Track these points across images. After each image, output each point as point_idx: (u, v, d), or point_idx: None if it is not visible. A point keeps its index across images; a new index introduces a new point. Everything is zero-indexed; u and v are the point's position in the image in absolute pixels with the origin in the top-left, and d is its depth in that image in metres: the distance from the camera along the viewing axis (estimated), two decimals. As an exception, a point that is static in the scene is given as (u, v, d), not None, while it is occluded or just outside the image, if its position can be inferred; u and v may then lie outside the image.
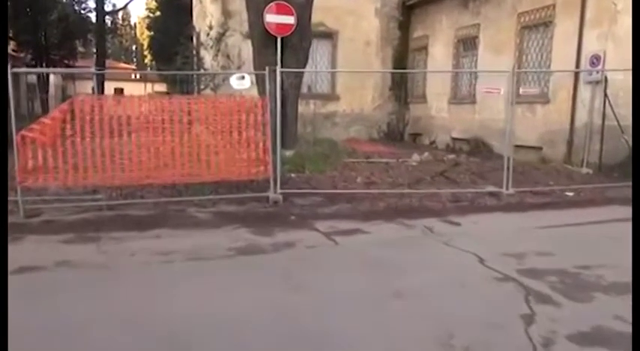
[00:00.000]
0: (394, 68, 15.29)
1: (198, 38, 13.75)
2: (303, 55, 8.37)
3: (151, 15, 43.48)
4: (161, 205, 6.08)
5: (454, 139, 13.30)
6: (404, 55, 15.26)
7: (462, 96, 13.11)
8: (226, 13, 13.44)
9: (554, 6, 9.91)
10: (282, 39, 8.05)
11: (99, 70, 20.80)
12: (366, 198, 6.65)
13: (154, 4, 42.01)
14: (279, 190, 6.40)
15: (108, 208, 5.96)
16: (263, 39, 8.11)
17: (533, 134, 10.50)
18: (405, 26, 15.25)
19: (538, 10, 10.28)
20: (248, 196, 6.42)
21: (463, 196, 6.75)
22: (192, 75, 13.76)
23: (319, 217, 5.71)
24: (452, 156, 11.13)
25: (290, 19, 7.80)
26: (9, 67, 5.58)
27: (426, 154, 10.80)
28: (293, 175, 7.88)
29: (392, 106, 15.47)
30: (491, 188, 7.15)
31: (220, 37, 13.17)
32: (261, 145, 6.27)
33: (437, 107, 14.04)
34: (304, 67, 8.54)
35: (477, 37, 12.27)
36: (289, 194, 6.49)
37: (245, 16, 13.74)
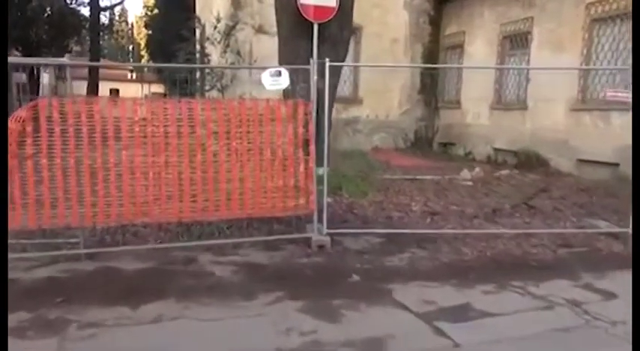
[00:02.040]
0: (422, 70, 13.58)
1: (203, 32, 11.97)
2: (343, 49, 6.61)
3: (149, 13, 41.77)
4: (162, 252, 4.31)
5: (497, 151, 11.57)
6: (435, 54, 13.54)
7: (508, 101, 11.38)
8: (236, 4, 11.70)
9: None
10: (317, 28, 6.30)
11: (92, 60, 19.03)
12: (439, 237, 4.91)
13: (151, 2, 40.32)
14: (325, 230, 4.64)
15: (87, 256, 4.19)
16: (293, 27, 6.35)
17: (606, 148, 8.76)
18: (436, 22, 13.54)
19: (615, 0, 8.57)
20: (282, 238, 4.65)
21: (571, 238, 5.00)
22: (196, 74, 12.00)
23: (393, 275, 3.95)
24: (505, 172, 9.39)
25: (332, 1, 6.05)
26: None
27: (477, 169, 9.07)
28: (329, 199, 6.13)
29: (420, 111, 13.74)
30: (605, 225, 5.40)
31: (229, 31, 11.42)
32: (302, 168, 4.50)
33: (474, 113, 12.31)
34: (340, 70, 6.77)
35: (529, 32, 10.56)
36: (336, 233, 4.74)
37: (257, 7, 12.08)
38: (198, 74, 12.15)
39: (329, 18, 6.12)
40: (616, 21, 8.74)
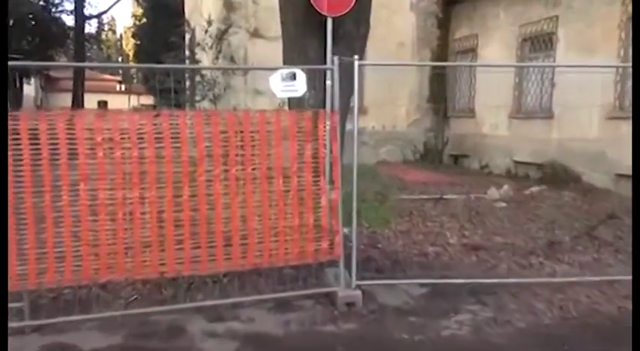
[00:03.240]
0: (431, 76, 12.59)
1: (193, 37, 10.88)
2: (360, 47, 5.53)
3: (137, 22, 40.59)
4: (136, 318, 3.17)
5: (517, 163, 10.53)
6: (444, 59, 12.54)
7: (530, 109, 10.37)
8: (229, 6, 10.64)
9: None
10: (328, 25, 5.22)
11: (76, 61, 17.86)
12: (499, 287, 3.81)
13: (140, 11, 39.15)
14: (354, 282, 3.52)
15: (33, 329, 3.04)
16: (300, 24, 5.26)
17: (651, 160, 7.71)
18: (445, 25, 12.56)
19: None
20: (297, 295, 3.52)
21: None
22: (185, 82, 10.90)
23: (458, 353, 2.83)
24: (536, 189, 8.35)
25: (349, -10, 4.98)
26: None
27: (506, 187, 7.99)
28: (346, 230, 5.01)
29: (429, 121, 12.71)
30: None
31: (222, 35, 10.34)
32: (324, 200, 3.39)
33: (491, 123, 11.29)
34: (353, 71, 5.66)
35: (553, 33, 9.58)
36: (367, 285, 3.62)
37: (252, 9, 11.03)
38: (188, 83, 11.06)
39: (346, 11, 5.04)
40: (658, 18, 7.75)
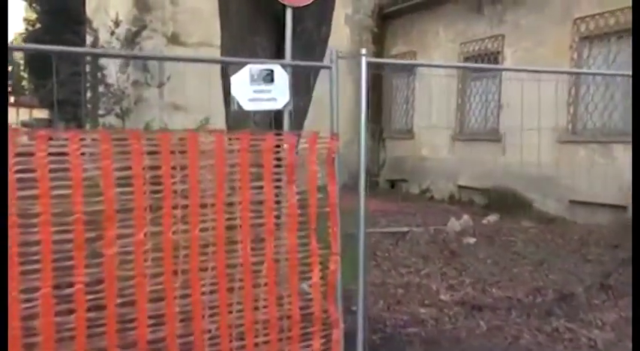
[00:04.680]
0: (368, 99, 11.76)
1: (96, 40, 9.10)
2: (320, 52, 4.39)
3: (30, 28, 36.51)
4: None
5: (461, 188, 9.93)
6: (379, 77, 11.80)
7: (475, 131, 9.84)
8: (141, 5, 9.06)
9: (641, 7, 6.96)
10: (284, 21, 4.01)
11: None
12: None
13: (34, 16, 35.22)
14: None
15: None
16: (250, 14, 4.00)
17: (609, 187, 7.35)
18: (380, 40, 11.88)
19: (613, 14, 7.31)
20: None
21: None
22: (86, 94, 9.07)
23: None
24: (493, 218, 7.66)
25: (315, -25, 3.81)
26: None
27: (465, 217, 7.19)
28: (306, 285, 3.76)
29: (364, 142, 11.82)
30: None
31: (132, 38, 8.71)
32: (315, 275, 2.13)
33: (432, 145, 10.65)
34: (317, 73, 4.50)
35: (499, 52, 9.15)
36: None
37: (171, 11, 9.52)
38: (89, 94, 9.24)
39: (310, 1, 3.86)
40: (611, 39, 7.49)
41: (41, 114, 25.07)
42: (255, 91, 2.05)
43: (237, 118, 4.29)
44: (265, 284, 2.03)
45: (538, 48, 8.39)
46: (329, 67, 2.37)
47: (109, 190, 1.76)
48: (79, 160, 1.72)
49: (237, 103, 2.05)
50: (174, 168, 1.89)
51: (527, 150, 8.69)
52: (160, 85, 9.01)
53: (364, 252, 2.50)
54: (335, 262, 2.18)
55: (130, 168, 1.82)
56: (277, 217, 2.05)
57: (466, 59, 9.88)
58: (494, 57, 9.29)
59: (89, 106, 9.32)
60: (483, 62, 9.54)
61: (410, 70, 11.21)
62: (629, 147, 7.14)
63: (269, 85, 2.06)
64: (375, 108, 11.94)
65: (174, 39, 9.14)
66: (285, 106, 2.22)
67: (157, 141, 1.91)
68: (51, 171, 1.69)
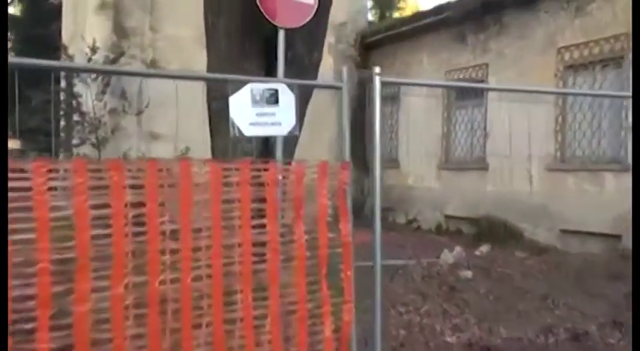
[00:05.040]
0: (352, 122, 11.62)
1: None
2: (312, 77, 4.19)
3: (4, 57, 35.70)
4: None
5: (448, 218, 9.74)
6: (363, 106, 11.69)
7: (461, 160, 9.73)
8: (120, 31, 8.81)
9: (624, 36, 7.03)
10: (273, 44, 3.78)
11: None
12: None
13: (9, 45, 34.63)
14: None
15: None
16: (238, 37, 3.77)
17: (600, 216, 7.24)
18: (364, 69, 11.82)
19: (597, 43, 7.36)
20: None
21: None
22: (59, 122, 8.68)
23: None
24: (485, 248, 7.43)
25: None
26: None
27: (458, 248, 6.95)
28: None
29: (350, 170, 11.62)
30: None
31: (111, 65, 8.39)
32: (328, 330, 1.81)
33: (418, 174, 10.50)
34: (309, 98, 4.26)
35: (482, 81, 9.13)
36: None
37: (150, 37, 9.28)
38: (62, 123, 8.85)
39: (303, 23, 3.65)
40: (595, 68, 7.52)
41: (14, 144, 24.33)
42: (257, 114, 1.78)
43: (224, 147, 4.00)
44: (270, 341, 1.71)
45: (522, 76, 8.38)
46: (339, 87, 2.12)
47: (82, 233, 1.44)
48: (46, 196, 1.40)
49: (238, 129, 1.77)
50: (162, 204, 1.58)
51: (516, 178, 8.60)
52: (139, 113, 8.67)
53: (380, 295, 2.19)
54: (349, 312, 1.88)
55: (108, 205, 1.50)
56: (287, 259, 1.75)
57: (452, 89, 9.86)
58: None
59: (62, 134, 8.90)
60: (468, 91, 9.52)
61: (394, 98, 11.14)
62: (619, 175, 7.12)
63: (273, 107, 1.79)
64: (358, 137, 11.79)
65: (153, 65, 8.87)
66: (290, 132, 1.96)
67: (142, 172, 1.60)
68: (10, 210, 1.36)
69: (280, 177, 1.99)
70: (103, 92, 8.37)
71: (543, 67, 8.05)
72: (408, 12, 18.04)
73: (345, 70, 2.22)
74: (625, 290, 5.17)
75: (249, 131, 1.82)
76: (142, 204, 1.57)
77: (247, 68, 3.79)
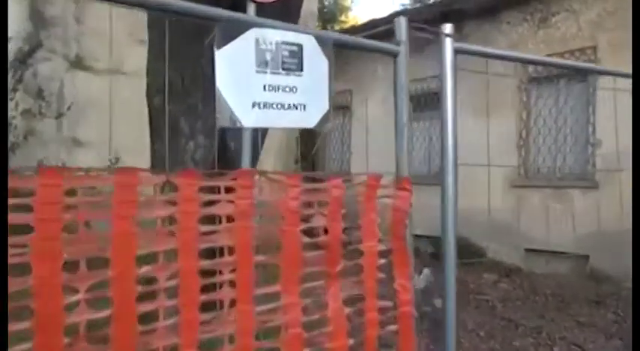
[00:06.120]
0: (301, 132, 10.92)
1: (-25, 59, 7.36)
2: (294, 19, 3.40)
3: None
4: None
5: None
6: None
7: (418, 173, 9.21)
8: (38, 19, 7.55)
9: (591, 50, 6.84)
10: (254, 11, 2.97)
11: None
12: None
13: None
14: None
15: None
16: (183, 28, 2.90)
17: (566, 235, 6.94)
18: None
19: (562, 56, 7.13)
20: None
21: None
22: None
23: None
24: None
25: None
26: None
27: (426, 270, 6.35)
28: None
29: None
30: None
31: (24, 58, 7.14)
32: None
33: (372, 189, 9.89)
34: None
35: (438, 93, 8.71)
36: None
37: (75, 29, 8.07)
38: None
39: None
40: (560, 81, 7.30)
41: None
42: (268, 88, 0.98)
43: (170, 154, 3.16)
44: None
45: (485, 89, 8.04)
46: (395, 53, 1.36)
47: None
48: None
49: (231, 116, 0.96)
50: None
51: (477, 195, 8.20)
52: (59, 116, 7.44)
53: None
54: None
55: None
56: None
57: (409, 98, 9.39)
58: (437, 97, 8.85)
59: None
60: (427, 102, 9.09)
61: (346, 109, 10.57)
62: (586, 192, 6.83)
63: (294, 77, 1.00)
64: (308, 148, 11.09)
65: (77, 63, 7.68)
66: (320, 123, 1.16)
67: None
68: None
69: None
70: (15, 90, 7.08)
71: (506, 79, 7.75)
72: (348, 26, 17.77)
73: (402, 21, 1.47)
74: (611, 317, 4.78)
75: (251, 119, 1.01)
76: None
77: (206, 52, 2.94)
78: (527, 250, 7.45)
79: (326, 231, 1.30)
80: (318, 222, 1.22)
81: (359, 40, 1.63)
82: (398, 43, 1.42)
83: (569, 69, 6.76)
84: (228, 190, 1.13)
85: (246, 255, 1.04)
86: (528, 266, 7.38)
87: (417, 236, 8.20)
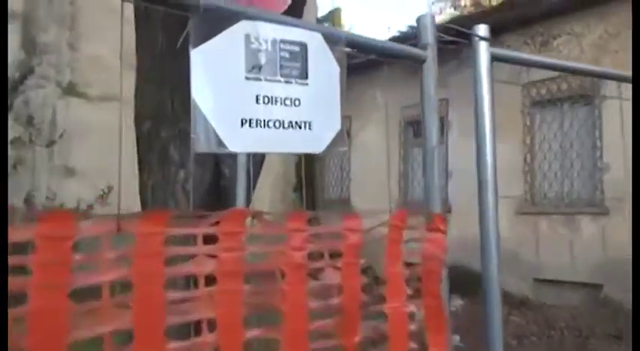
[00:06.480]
0: (298, 160, 10.70)
1: (-35, 87, 7.18)
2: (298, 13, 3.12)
3: None
4: None
5: (409, 266, 8.86)
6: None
7: (420, 200, 8.97)
8: (29, 46, 7.41)
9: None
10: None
11: None
12: None
13: None
14: None
15: None
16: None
17: (577, 263, 6.65)
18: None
19: (565, 79, 6.98)
20: None
21: None
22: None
23: None
24: (458, 302, 6.59)
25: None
26: None
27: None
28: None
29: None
30: None
31: (16, 85, 6.96)
32: None
33: (372, 217, 9.61)
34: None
35: (443, 117, 8.56)
36: None
37: (68, 56, 7.93)
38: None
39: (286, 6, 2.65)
40: (563, 104, 7.14)
41: None
42: (261, 100, 0.73)
43: (157, 187, 2.90)
44: None
45: (487, 113, 7.88)
46: (422, 59, 1.13)
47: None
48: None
49: (213, 138, 0.71)
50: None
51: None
52: (50, 144, 7.22)
53: None
54: None
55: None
56: None
57: (408, 123, 9.24)
58: (440, 122, 8.69)
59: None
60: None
61: (347, 135, 10.38)
62: (596, 218, 6.58)
63: (297, 85, 0.76)
64: (307, 175, 10.86)
65: (70, 89, 7.51)
66: (331, 146, 0.91)
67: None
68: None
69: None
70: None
71: (508, 103, 7.58)
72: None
73: (428, 20, 1.24)
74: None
75: (239, 142, 0.76)
76: None
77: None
78: (536, 280, 7.14)
79: (340, 290, 1.06)
80: (331, 278, 0.98)
81: (377, 41, 1.39)
82: (424, 47, 1.19)
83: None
84: (209, 239, 0.88)
85: (233, 330, 0.79)
86: (538, 297, 7.05)
87: (414, 264, 7.71)
